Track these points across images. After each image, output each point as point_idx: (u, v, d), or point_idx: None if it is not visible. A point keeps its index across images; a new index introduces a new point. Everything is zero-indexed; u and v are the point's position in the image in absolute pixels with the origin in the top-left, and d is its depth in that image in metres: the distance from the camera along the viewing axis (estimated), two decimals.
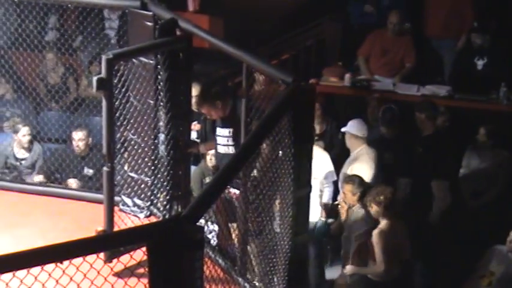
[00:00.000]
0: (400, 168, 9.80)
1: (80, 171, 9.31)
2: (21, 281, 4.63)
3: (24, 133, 9.58)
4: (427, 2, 12.48)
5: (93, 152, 9.48)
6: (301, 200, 6.27)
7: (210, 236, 7.67)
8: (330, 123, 10.35)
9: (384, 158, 9.63)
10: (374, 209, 8.38)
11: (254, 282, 7.26)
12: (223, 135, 7.69)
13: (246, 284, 7.26)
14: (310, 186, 6.47)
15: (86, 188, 9.20)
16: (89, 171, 9.22)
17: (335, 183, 9.52)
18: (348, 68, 12.03)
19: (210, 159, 8.47)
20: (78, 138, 9.41)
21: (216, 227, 7.91)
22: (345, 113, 11.24)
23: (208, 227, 7.34)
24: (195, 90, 8.28)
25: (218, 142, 7.73)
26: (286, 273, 6.35)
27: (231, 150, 7.65)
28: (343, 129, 9.71)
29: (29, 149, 9.64)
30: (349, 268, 8.69)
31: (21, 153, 9.69)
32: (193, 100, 8.29)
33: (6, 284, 4.60)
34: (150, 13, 8.18)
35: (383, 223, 8.42)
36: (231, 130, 7.62)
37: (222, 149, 7.75)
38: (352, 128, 9.54)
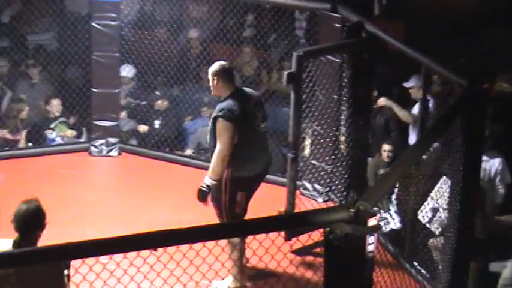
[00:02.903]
0: None
1: None
2: (210, 251, 4.75)
3: None
4: None
5: (269, 139, 9.32)
6: (468, 197, 6.14)
7: (381, 223, 7.62)
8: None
9: None
10: None
11: (419, 268, 7.21)
12: None
13: (412, 270, 7.21)
14: (478, 185, 6.33)
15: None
16: None
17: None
18: None
19: (387, 155, 8.38)
20: None
21: (387, 215, 7.88)
22: None
23: (380, 214, 7.31)
24: None
25: None
26: (451, 263, 6.24)
27: None
28: None
29: None
30: None
31: None
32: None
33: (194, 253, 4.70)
34: (339, 15, 8.21)
35: None
36: None
37: None
38: None
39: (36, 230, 5.15)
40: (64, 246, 3.82)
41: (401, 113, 8.52)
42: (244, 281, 6.95)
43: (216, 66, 6.96)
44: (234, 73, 7.13)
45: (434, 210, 7.18)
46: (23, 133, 9.54)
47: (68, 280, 4.93)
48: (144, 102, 9.93)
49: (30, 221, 5.13)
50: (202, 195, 6.79)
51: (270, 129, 9.36)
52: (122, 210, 8.38)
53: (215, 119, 6.78)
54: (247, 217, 6.86)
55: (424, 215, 7.24)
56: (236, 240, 6.86)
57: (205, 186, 6.77)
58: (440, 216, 7.15)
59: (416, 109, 8.32)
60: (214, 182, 6.78)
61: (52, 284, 4.82)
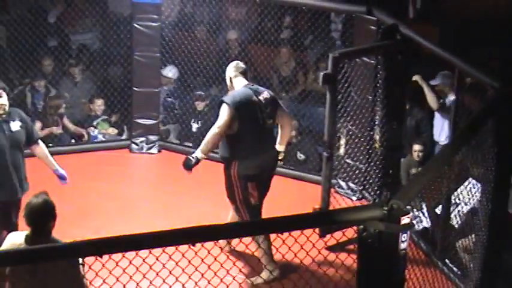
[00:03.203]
0: None
1: (293, 155, 9.31)
2: (246, 246, 4.81)
3: None
4: None
5: (305, 139, 9.34)
6: (501, 196, 6.16)
7: (414, 222, 7.65)
8: None
9: None
10: None
11: (451, 265, 7.23)
12: None
13: (444, 267, 7.23)
14: (509, 185, 6.34)
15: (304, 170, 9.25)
16: (300, 156, 9.27)
17: None
18: None
19: (418, 155, 8.40)
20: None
21: (420, 214, 7.90)
22: None
23: (413, 213, 7.34)
24: None
25: None
26: (482, 262, 6.26)
27: None
28: None
29: None
30: None
31: None
32: None
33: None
34: (374, 18, 8.25)
35: None
36: None
37: None
38: None
39: (47, 221, 5.15)
40: (106, 241, 3.88)
41: (429, 95, 8.54)
42: (275, 271, 7.10)
43: (230, 66, 7.36)
44: (247, 71, 7.41)
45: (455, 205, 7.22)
46: (66, 121, 9.69)
47: (83, 267, 4.98)
48: (180, 102, 10.02)
49: (40, 213, 5.12)
50: (187, 164, 7.15)
51: (306, 129, 9.45)
52: (161, 205, 8.49)
53: (220, 103, 7.14)
54: (279, 213, 6.94)
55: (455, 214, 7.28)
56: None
57: (194, 157, 7.12)
58: (459, 211, 7.19)
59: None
60: (204, 156, 7.13)
61: (70, 272, 4.94)
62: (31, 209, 5.11)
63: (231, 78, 7.30)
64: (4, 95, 6.66)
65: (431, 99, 8.52)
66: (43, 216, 5.11)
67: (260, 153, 7.18)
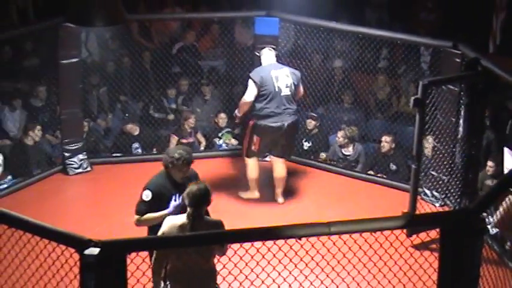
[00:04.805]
0: None
1: (386, 166, 9.29)
2: (343, 242, 4.83)
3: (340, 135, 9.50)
4: None
5: (397, 152, 9.23)
6: None
7: (489, 227, 7.54)
8: None
9: None
10: None
11: None
12: None
13: None
14: None
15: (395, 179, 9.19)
16: (393, 167, 9.22)
17: None
18: None
19: (490, 170, 8.25)
20: (386, 141, 9.12)
21: (492, 219, 7.79)
22: None
23: (488, 219, 7.25)
24: None
25: None
26: None
27: None
28: None
29: (352, 148, 9.49)
30: None
31: (346, 151, 9.62)
32: None
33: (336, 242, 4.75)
34: (459, 52, 8.18)
35: None
36: None
37: None
38: None
39: (204, 205, 5.34)
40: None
41: None
42: (255, 191, 8.53)
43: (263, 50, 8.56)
44: (272, 54, 8.48)
45: None
46: (198, 135, 9.88)
47: None
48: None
49: (201, 197, 5.29)
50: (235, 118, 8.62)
51: (398, 144, 9.37)
52: (268, 205, 8.50)
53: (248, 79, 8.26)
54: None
55: None
56: (250, 161, 8.46)
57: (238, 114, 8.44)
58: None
59: None
60: (240, 115, 8.41)
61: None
62: (193, 194, 5.28)
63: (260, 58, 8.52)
64: None
65: None
66: (202, 200, 5.30)
67: (272, 114, 8.18)
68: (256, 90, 8.11)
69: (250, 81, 8.18)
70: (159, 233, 5.37)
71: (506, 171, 7.57)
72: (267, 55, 8.45)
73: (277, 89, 8.13)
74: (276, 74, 8.19)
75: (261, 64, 8.50)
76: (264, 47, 8.66)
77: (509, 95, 8.17)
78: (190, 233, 5.19)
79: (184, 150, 6.00)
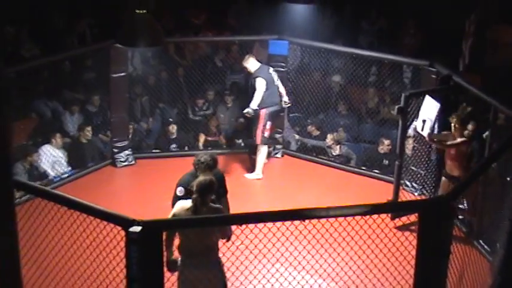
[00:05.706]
0: None
1: (380, 162, 9.24)
2: (340, 226, 4.83)
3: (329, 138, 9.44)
4: None
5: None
6: None
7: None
8: None
9: None
10: None
11: (483, 244, 7.06)
12: None
13: (477, 245, 7.07)
14: None
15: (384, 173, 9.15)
16: (385, 162, 9.17)
17: None
18: None
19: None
20: (385, 144, 9.09)
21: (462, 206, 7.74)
22: None
23: (458, 205, 7.21)
24: None
25: None
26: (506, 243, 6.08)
27: None
28: None
29: (339, 149, 9.38)
30: None
31: (334, 151, 9.50)
32: None
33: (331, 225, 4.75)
34: (435, 69, 8.15)
35: None
36: None
37: None
38: None
39: (209, 194, 5.19)
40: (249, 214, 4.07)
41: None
42: (260, 173, 8.70)
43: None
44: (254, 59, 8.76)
45: None
46: (221, 137, 9.86)
47: None
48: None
49: (206, 187, 5.18)
50: (249, 113, 8.48)
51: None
52: (282, 195, 8.44)
53: (255, 78, 8.55)
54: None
55: None
56: (263, 148, 8.70)
57: (251, 110, 8.44)
58: None
59: None
60: (256, 108, 8.44)
61: None
62: (200, 184, 5.19)
63: (248, 60, 8.77)
64: None
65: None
66: (206, 190, 5.20)
67: (276, 102, 8.68)
68: (265, 84, 8.49)
69: (259, 79, 8.52)
70: (170, 214, 5.29)
71: (420, 117, 7.48)
72: (253, 60, 8.75)
73: (275, 83, 8.66)
74: (271, 71, 8.73)
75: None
76: (247, 55, 8.94)
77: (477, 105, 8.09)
78: (195, 216, 5.09)
79: (210, 156, 5.90)
